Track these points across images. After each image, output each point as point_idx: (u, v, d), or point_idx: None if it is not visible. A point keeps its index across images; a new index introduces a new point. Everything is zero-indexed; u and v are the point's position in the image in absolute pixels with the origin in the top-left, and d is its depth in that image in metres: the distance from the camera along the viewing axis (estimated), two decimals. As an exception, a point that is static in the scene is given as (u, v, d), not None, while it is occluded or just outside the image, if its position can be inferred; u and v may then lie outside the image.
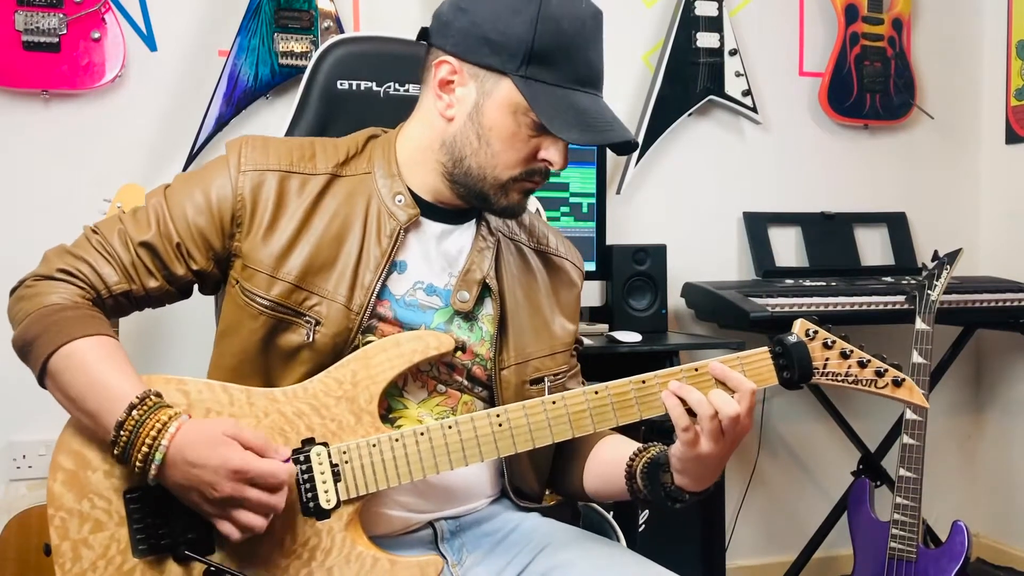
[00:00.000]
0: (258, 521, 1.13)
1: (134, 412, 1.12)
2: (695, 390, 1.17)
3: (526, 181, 1.29)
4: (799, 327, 1.22)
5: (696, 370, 1.20)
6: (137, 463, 1.12)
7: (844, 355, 1.21)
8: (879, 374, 1.21)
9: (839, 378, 1.21)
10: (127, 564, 1.16)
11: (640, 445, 1.33)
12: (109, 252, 1.26)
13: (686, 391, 1.17)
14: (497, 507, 1.40)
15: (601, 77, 1.29)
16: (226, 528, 1.13)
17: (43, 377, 1.20)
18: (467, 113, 1.27)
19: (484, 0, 1.24)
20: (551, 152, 1.27)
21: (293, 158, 1.31)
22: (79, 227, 1.32)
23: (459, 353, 1.31)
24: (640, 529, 2.31)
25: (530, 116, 1.24)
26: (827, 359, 1.21)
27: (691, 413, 1.17)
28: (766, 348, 1.22)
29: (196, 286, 1.33)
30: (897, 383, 1.22)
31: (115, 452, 1.13)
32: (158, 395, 1.15)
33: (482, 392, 1.34)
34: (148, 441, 1.11)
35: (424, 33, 1.32)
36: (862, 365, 1.21)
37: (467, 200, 1.32)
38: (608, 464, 1.36)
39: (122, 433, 1.12)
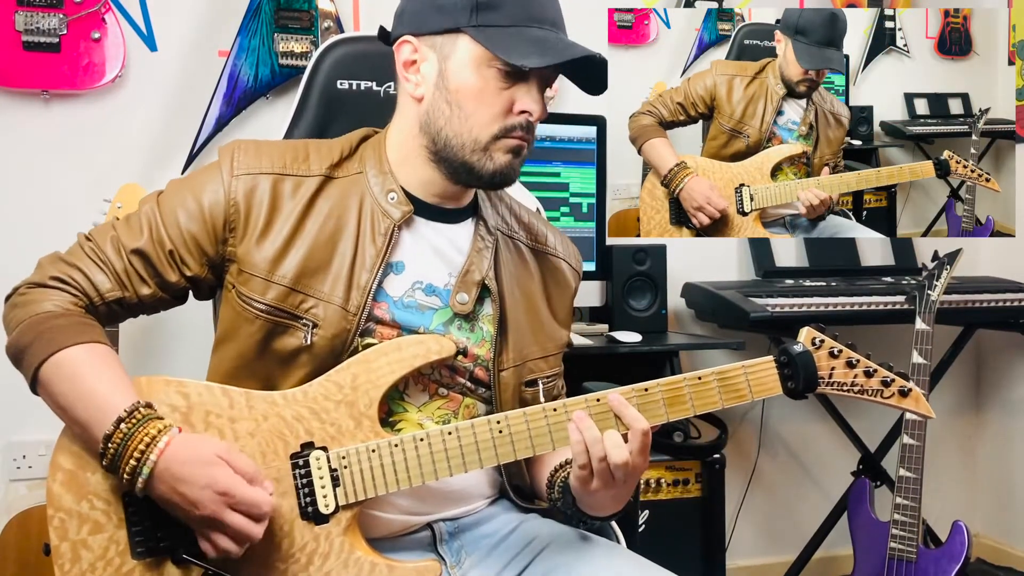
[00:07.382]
0: (233, 547, 1.12)
1: (122, 425, 1.11)
2: (593, 427, 1.15)
3: (507, 137, 1.25)
4: (805, 335, 1.20)
5: (598, 400, 1.18)
6: (125, 476, 1.12)
7: (850, 364, 1.19)
8: (885, 384, 1.19)
9: (844, 388, 1.19)
10: (126, 566, 1.16)
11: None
12: (102, 259, 1.26)
13: (585, 426, 1.16)
14: (496, 508, 1.39)
15: (558, 18, 1.27)
16: (204, 546, 1.14)
17: (35, 385, 1.21)
18: (433, 84, 1.26)
19: None
20: (525, 100, 1.24)
21: (286, 160, 1.30)
22: (79, 227, 1.32)
23: (460, 356, 1.30)
24: (640, 529, 2.31)
25: (494, 66, 1.23)
26: (833, 368, 1.19)
27: None
28: (771, 357, 1.20)
29: (191, 292, 1.32)
30: (903, 393, 1.20)
31: (103, 463, 1.13)
32: (148, 406, 1.15)
33: (485, 394, 1.34)
34: (136, 455, 1.11)
35: (384, 34, 1.33)
36: (868, 375, 1.19)
37: (458, 179, 1.29)
38: (546, 466, 1.36)
39: (109, 446, 1.11)
